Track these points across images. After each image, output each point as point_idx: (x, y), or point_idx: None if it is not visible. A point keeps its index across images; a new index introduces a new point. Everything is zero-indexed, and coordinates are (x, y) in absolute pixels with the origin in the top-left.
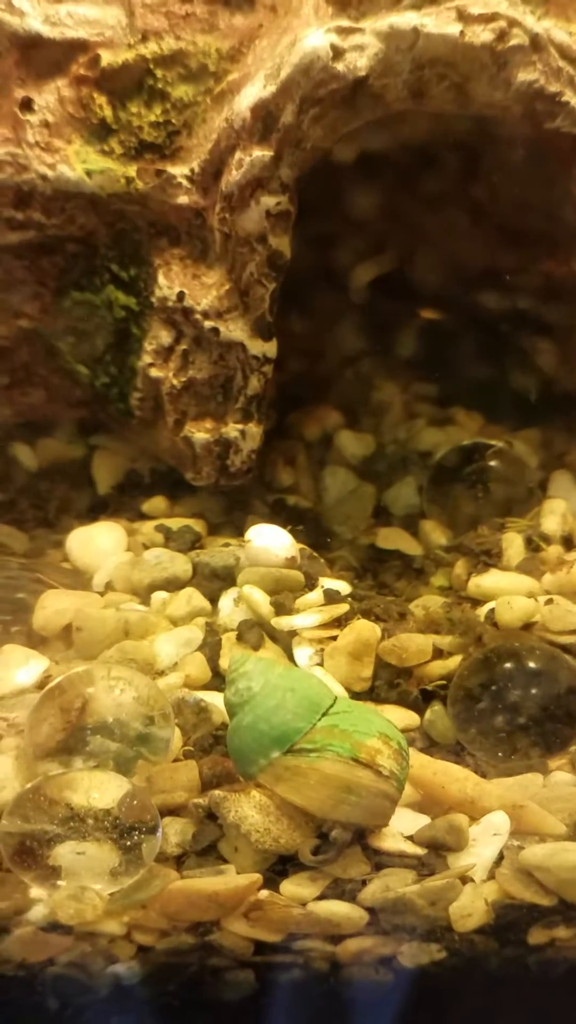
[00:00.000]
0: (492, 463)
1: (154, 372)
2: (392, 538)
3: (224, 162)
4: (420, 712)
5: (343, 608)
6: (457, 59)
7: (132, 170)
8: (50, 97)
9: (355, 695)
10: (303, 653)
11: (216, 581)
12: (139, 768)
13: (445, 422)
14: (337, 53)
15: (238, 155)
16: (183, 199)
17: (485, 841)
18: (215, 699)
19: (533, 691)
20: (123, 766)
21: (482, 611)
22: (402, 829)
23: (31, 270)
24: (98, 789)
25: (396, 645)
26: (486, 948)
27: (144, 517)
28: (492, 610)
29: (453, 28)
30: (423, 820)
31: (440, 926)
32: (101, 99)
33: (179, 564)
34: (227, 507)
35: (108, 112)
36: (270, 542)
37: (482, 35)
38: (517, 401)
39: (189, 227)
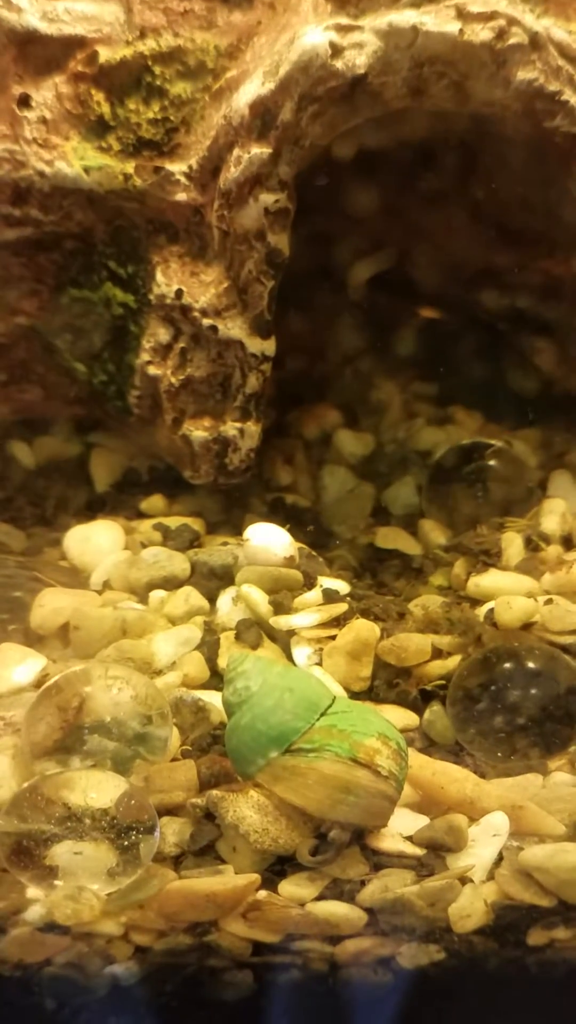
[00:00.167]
0: (491, 462)
1: (152, 370)
2: (391, 537)
3: (222, 159)
4: (419, 712)
5: (342, 607)
6: (456, 57)
7: (130, 167)
8: (48, 94)
9: (354, 695)
10: (302, 652)
11: (214, 580)
12: (137, 767)
13: (444, 421)
14: (336, 51)
15: (236, 152)
16: (181, 196)
17: (484, 842)
18: (213, 698)
19: (532, 691)
20: (121, 765)
21: (481, 611)
22: (401, 829)
23: (29, 267)
24: (95, 789)
25: (395, 645)
26: (485, 949)
27: (142, 515)
28: (491, 610)
29: (452, 26)
30: (422, 820)
31: (439, 927)
32: (99, 96)
33: (177, 563)
34: (225, 506)
35: (106, 109)
36: (268, 541)
37: (481, 33)
38: (516, 400)
39: (187, 224)
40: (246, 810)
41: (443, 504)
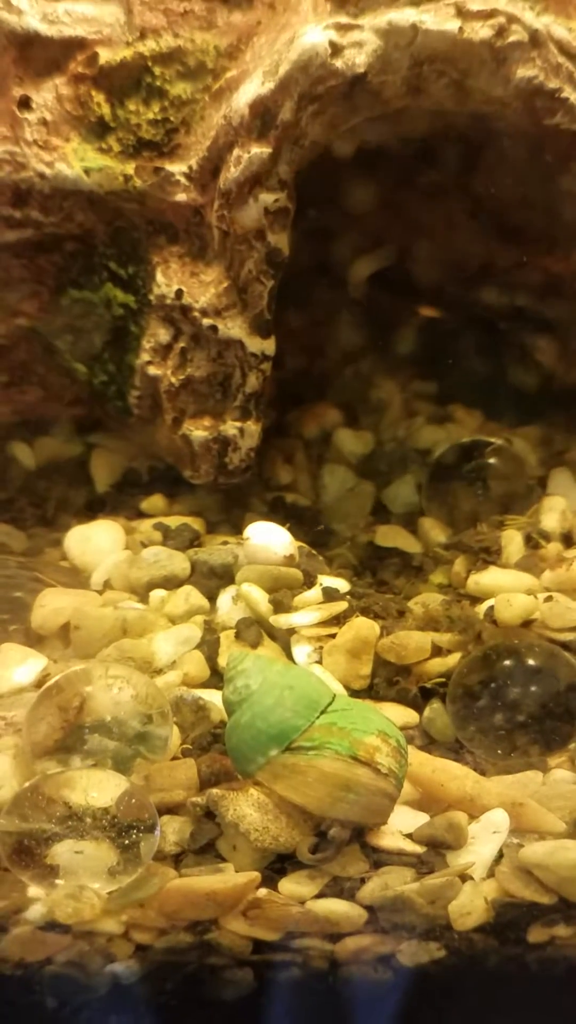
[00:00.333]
0: (491, 460)
1: (152, 370)
2: (391, 536)
3: (222, 159)
4: (419, 710)
5: (342, 606)
6: (456, 56)
7: (130, 168)
8: (48, 95)
9: (354, 693)
10: (302, 651)
11: (214, 579)
12: (137, 766)
13: (444, 419)
14: (336, 50)
15: (236, 152)
16: (181, 196)
17: (484, 839)
18: (213, 697)
19: (532, 688)
20: (121, 764)
21: (481, 608)
22: (401, 827)
23: (29, 268)
24: (96, 788)
25: (395, 643)
26: (485, 946)
27: (142, 515)
28: (491, 607)
29: (452, 24)
30: (422, 818)
31: (439, 924)
32: (99, 97)
33: (177, 562)
34: (225, 505)
35: (106, 110)
36: (268, 540)
37: (481, 31)
38: (516, 398)
39: (187, 225)
40: (246, 808)
41: (443, 502)
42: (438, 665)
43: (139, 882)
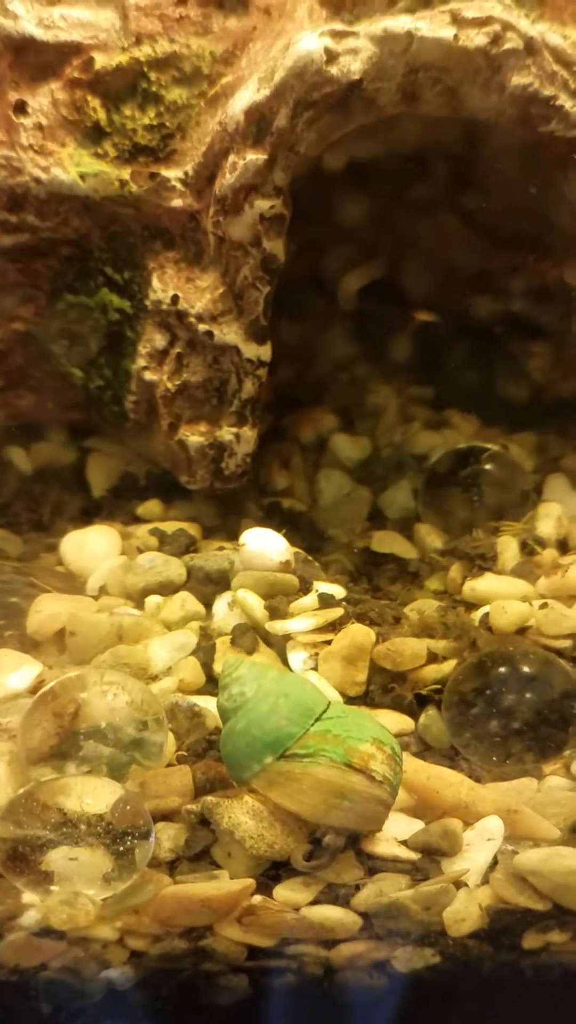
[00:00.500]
0: (487, 467)
1: (148, 375)
2: (387, 542)
3: (218, 165)
4: (414, 716)
5: (338, 612)
6: (451, 63)
7: (126, 173)
8: (44, 100)
9: (349, 699)
10: (297, 657)
11: (210, 585)
12: (132, 773)
13: (440, 425)
14: (331, 57)
15: (232, 158)
16: (177, 202)
17: (479, 846)
18: (209, 704)
19: (527, 695)
20: (116, 771)
21: (477, 615)
22: (396, 834)
23: (25, 273)
24: (91, 794)
25: (391, 649)
26: (480, 953)
27: (138, 521)
28: (487, 614)
29: (447, 32)
30: (417, 825)
31: (434, 931)
32: (95, 102)
33: (173, 568)
34: (221, 511)
35: (102, 115)
36: (264, 546)
37: (476, 39)
38: (511, 404)
39: (183, 230)
40: (241, 816)
41: (439, 508)
42: (433, 672)
43: (134, 888)
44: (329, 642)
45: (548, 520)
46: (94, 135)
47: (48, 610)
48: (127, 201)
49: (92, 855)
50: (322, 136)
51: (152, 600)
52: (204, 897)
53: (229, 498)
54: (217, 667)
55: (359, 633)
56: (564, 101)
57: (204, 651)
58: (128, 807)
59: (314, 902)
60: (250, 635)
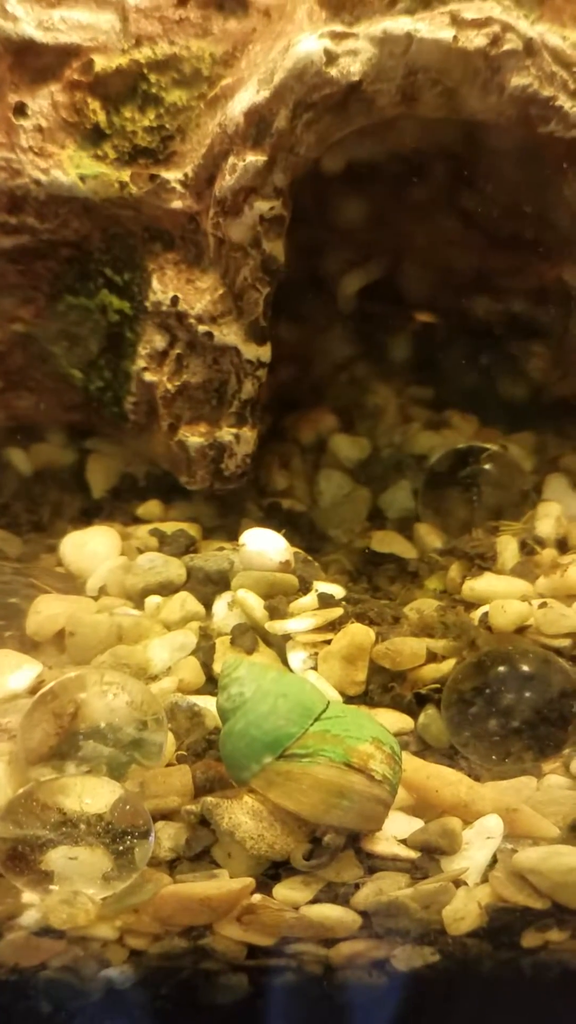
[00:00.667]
0: (487, 467)
1: (148, 376)
2: (387, 541)
3: (218, 167)
4: (414, 716)
5: (337, 612)
6: (450, 64)
7: (126, 175)
8: (44, 102)
9: (349, 699)
10: (297, 657)
11: (210, 585)
12: (132, 773)
13: (440, 426)
14: (331, 58)
15: (232, 160)
16: (177, 204)
17: (478, 844)
18: (208, 704)
19: (526, 695)
20: (116, 771)
21: (476, 614)
22: (395, 833)
23: (25, 275)
24: (91, 794)
25: (390, 649)
26: (479, 951)
27: (138, 521)
28: (486, 614)
29: (446, 33)
30: (416, 824)
31: (433, 929)
32: (95, 104)
33: (173, 568)
34: (221, 511)
35: (102, 117)
36: (264, 546)
37: (475, 40)
38: (511, 404)
39: (183, 232)
40: (241, 816)
41: (438, 508)
42: (433, 671)
43: (133, 888)
44: (329, 642)
45: (547, 520)
46: (94, 137)
47: (48, 611)
48: (127, 203)
49: (92, 854)
50: (321, 137)
51: (152, 600)
52: (204, 896)
53: (229, 498)
54: (217, 667)
55: (358, 633)
56: (563, 102)
57: (204, 651)
58: (128, 807)
59: (314, 901)
60: (250, 635)
